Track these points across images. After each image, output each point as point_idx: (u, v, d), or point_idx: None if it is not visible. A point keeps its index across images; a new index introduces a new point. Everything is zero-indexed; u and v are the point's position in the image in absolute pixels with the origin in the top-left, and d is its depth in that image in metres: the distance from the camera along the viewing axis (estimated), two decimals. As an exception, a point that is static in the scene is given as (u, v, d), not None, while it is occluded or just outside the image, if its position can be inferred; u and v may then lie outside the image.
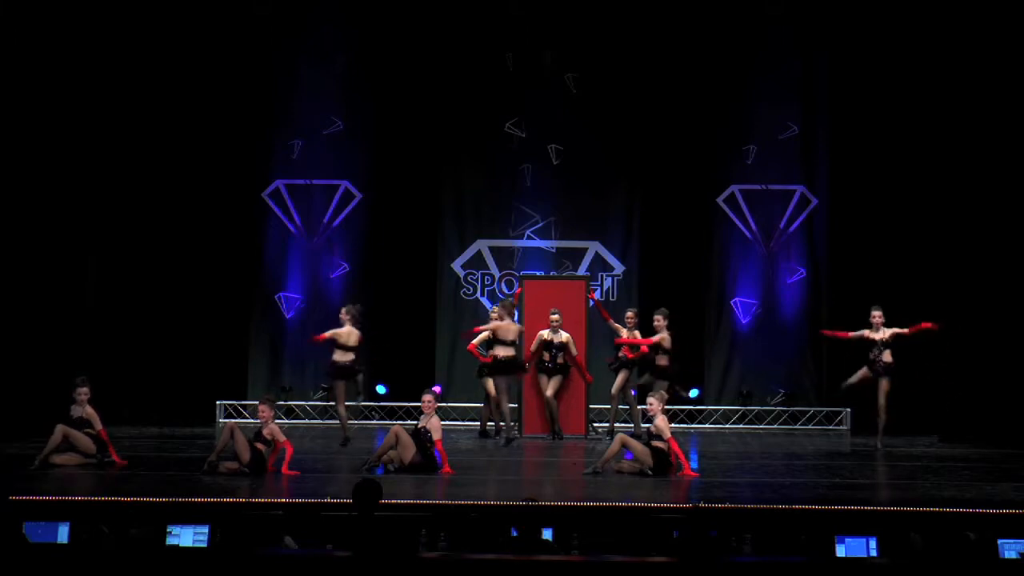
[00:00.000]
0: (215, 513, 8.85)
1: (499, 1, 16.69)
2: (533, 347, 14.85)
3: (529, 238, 17.04)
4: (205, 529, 7.45)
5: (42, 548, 6.97)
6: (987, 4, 15.66)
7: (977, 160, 15.87)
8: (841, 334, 14.38)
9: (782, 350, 16.08)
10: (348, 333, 13.95)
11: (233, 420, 13.64)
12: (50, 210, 15.59)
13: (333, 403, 14.51)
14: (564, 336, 14.79)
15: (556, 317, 14.77)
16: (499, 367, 14.39)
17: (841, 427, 16.24)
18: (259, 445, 11.56)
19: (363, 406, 16.35)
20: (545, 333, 14.85)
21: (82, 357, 13.39)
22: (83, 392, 12.24)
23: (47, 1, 15.49)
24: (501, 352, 14.41)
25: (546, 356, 14.83)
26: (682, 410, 16.25)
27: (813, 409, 16.34)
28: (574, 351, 14.86)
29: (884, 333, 14.04)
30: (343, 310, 14.11)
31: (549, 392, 14.77)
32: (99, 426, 12.18)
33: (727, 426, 16.51)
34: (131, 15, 16.04)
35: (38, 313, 14.89)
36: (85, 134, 15.93)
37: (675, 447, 11.69)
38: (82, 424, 12.14)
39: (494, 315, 14.80)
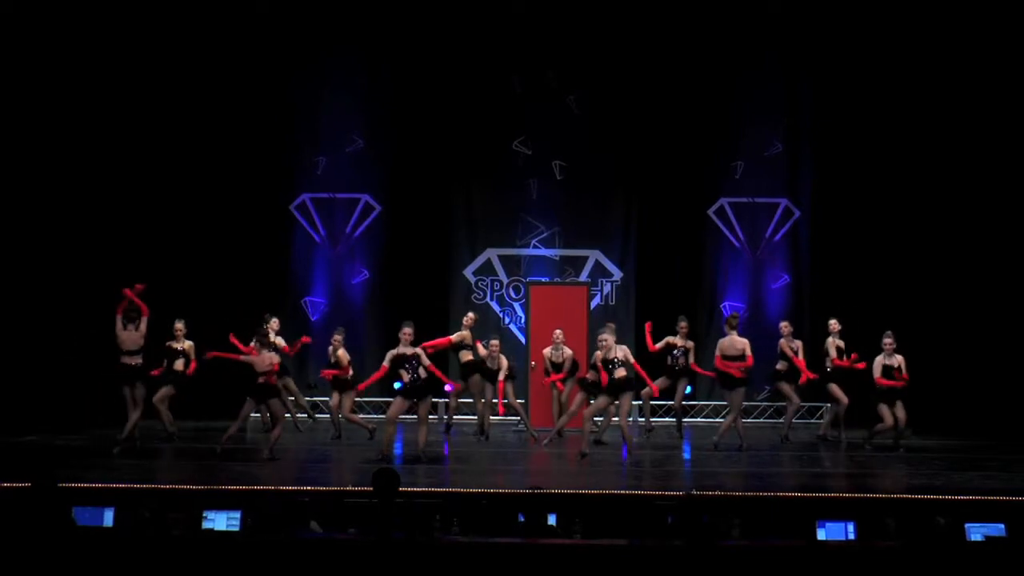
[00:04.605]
0: (247, 499, 8.90)
1: (507, 26, 16.71)
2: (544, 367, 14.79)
3: (535, 247, 17.07)
4: (237, 514, 7.46)
5: (89, 531, 7.00)
6: (960, 34, 15.71)
7: (948, 176, 15.95)
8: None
9: (768, 350, 16.01)
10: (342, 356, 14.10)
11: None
12: (98, 220, 15.70)
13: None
14: (567, 352, 14.69)
15: (558, 334, 14.70)
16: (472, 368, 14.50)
17: (822, 421, 16.22)
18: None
19: (381, 401, 16.40)
20: (547, 351, 14.78)
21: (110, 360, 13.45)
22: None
23: (100, 35, 15.63)
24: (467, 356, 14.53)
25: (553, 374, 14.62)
26: (672, 405, 16.23)
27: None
28: (568, 367, 14.61)
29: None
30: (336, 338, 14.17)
31: (564, 398, 14.65)
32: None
33: (717, 420, 16.51)
34: (174, 45, 16.11)
35: (82, 316, 14.94)
36: (130, 152, 16.02)
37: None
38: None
39: (467, 322, 14.75)
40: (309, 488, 10.14)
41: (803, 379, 14.13)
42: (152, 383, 13.36)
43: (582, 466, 12.32)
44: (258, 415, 14.31)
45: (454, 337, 14.40)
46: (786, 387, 14.30)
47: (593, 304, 16.47)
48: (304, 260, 17.05)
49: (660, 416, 16.13)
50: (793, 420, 14.68)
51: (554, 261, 17.06)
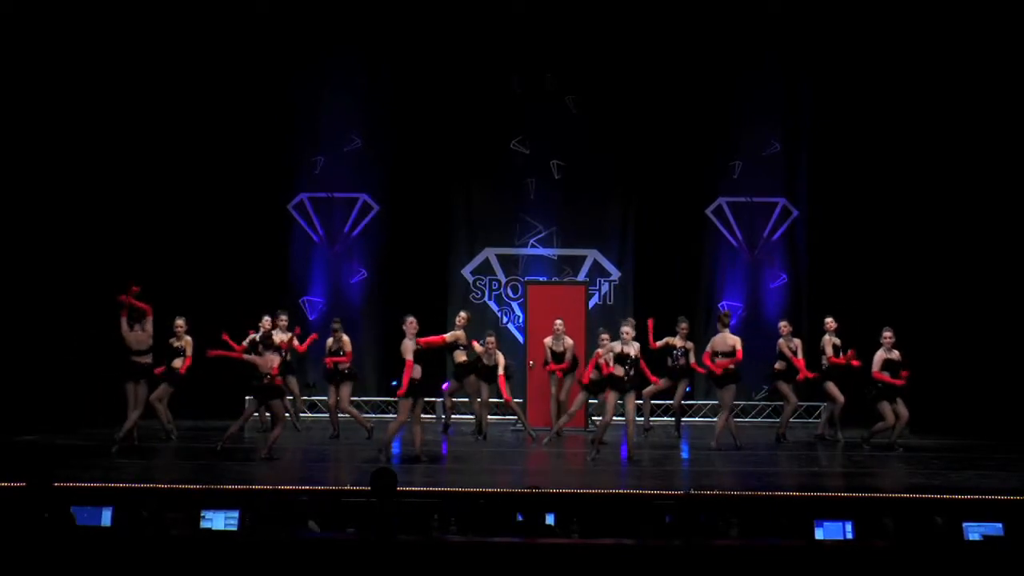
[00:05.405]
0: (245, 499, 8.89)
1: (507, 26, 16.71)
2: (546, 356, 14.78)
3: (533, 246, 17.06)
4: (235, 514, 7.45)
5: (87, 530, 6.99)
6: (960, 34, 15.73)
7: (946, 176, 15.97)
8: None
9: (765, 349, 16.01)
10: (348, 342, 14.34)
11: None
12: (98, 219, 15.69)
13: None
14: (568, 342, 14.71)
15: (559, 324, 14.72)
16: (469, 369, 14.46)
17: (819, 420, 16.20)
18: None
19: (379, 401, 16.45)
20: (548, 341, 14.78)
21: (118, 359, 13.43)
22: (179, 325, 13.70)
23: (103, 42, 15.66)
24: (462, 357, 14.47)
25: (551, 365, 14.68)
26: (671, 405, 16.21)
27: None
28: (570, 356, 14.68)
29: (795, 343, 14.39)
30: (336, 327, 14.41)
31: (563, 396, 14.65)
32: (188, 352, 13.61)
33: (715, 420, 16.46)
34: (174, 45, 16.10)
35: (82, 316, 14.94)
36: (130, 152, 16.02)
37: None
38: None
39: (460, 322, 14.59)
40: (307, 488, 10.13)
41: (801, 377, 14.13)
42: (155, 382, 13.38)
43: (580, 465, 12.31)
44: (256, 414, 14.32)
45: (448, 336, 14.28)
46: (784, 387, 14.31)
47: (591, 303, 16.47)
48: (302, 260, 17.05)
49: (658, 416, 16.13)
50: (791, 420, 14.68)
51: (552, 260, 17.05)
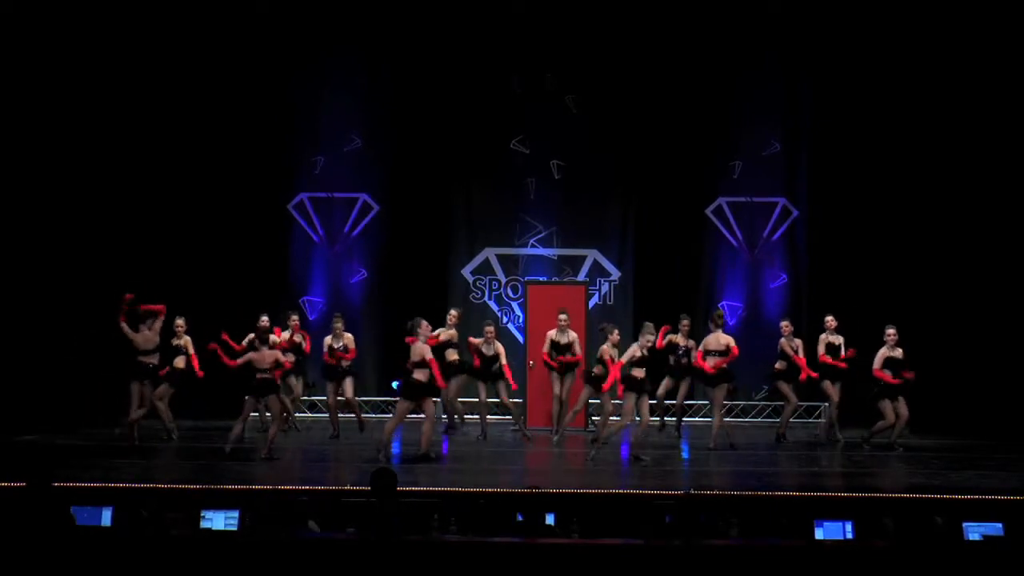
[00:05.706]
0: (245, 499, 8.88)
1: (507, 26, 16.71)
2: (545, 348, 14.71)
3: (533, 246, 17.06)
4: (235, 514, 7.45)
5: (87, 530, 6.99)
6: (960, 34, 15.73)
7: (946, 175, 15.97)
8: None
9: (766, 349, 15.97)
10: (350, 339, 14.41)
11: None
12: (98, 219, 15.68)
13: (341, 398, 14.50)
14: (572, 335, 14.66)
15: (564, 317, 14.67)
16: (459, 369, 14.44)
17: (820, 420, 16.21)
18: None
19: (379, 400, 16.45)
20: (552, 333, 14.75)
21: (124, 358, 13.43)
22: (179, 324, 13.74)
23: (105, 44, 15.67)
24: (453, 356, 14.41)
25: (552, 356, 14.64)
26: (673, 404, 16.20)
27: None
28: (578, 350, 14.65)
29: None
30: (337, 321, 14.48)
31: (565, 395, 14.54)
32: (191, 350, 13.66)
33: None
34: (175, 45, 16.09)
35: (82, 316, 14.94)
36: (131, 152, 16.01)
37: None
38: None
39: (452, 320, 14.55)
40: (307, 487, 10.12)
41: (803, 376, 14.12)
42: (159, 382, 13.39)
43: (580, 465, 12.31)
44: (256, 414, 14.31)
45: (442, 336, 14.25)
46: (784, 387, 14.30)
47: (591, 303, 16.47)
48: (302, 260, 17.04)
49: (658, 415, 16.10)
50: (791, 420, 14.68)
51: (552, 260, 17.05)
